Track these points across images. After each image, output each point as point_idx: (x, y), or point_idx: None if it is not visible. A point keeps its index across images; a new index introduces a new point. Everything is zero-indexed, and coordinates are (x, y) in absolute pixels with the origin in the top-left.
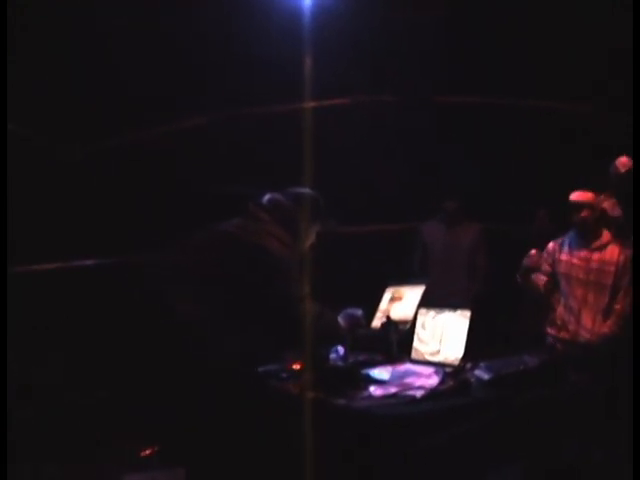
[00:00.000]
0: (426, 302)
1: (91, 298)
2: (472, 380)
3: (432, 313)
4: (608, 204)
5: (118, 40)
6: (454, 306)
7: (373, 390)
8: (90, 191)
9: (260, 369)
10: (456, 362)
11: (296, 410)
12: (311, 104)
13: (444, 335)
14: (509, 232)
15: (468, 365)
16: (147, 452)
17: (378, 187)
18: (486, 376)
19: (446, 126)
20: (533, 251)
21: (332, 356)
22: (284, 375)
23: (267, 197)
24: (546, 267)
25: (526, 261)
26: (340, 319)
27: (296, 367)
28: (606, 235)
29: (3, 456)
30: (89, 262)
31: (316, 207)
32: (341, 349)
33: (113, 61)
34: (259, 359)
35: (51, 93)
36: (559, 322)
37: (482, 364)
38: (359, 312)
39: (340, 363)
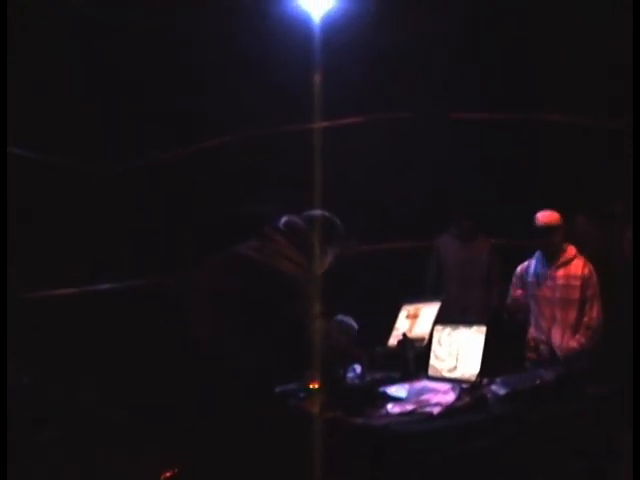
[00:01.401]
0: (442, 318)
1: (112, 321)
2: (488, 396)
3: (448, 330)
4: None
5: (134, 63)
6: (470, 322)
7: (390, 408)
8: (109, 213)
9: (278, 388)
10: (473, 378)
11: (314, 429)
12: (325, 123)
13: (460, 351)
14: (522, 248)
15: (485, 381)
16: (168, 474)
17: (393, 204)
18: (502, 391)
19: (461, 143)
20: (519, 291)
21: (350, 375)
22: (302, 394)
23: (284, 220)
24: (518, 292)
25: (510, 301)
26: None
27: (314, 386)
28: (570, 250)
29: (3, 456)
30: (105, 286)
31: (333, 230)
32: (358, 367)
33: (129, 84)
34: (275, 378)
35: (68, 114)
36: (532, 343)
37: (498, 379)
38: (352, 322)
39: (357, 381)
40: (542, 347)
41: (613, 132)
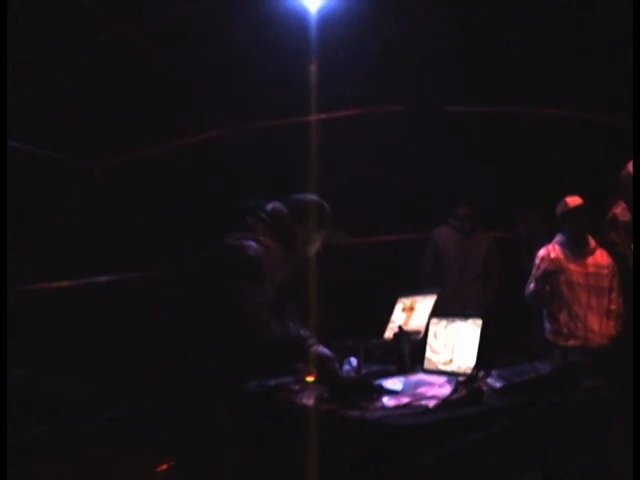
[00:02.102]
0: (439, 311)
1: (107, 313)
2: (484, 389)
3: (444, 322)
4: (619, 209)
5: (129, 55)
6: (466, 315)
7: (386, 401)
8: (104, 206)
9: (273, 382)
10: (468, 371)
11: (310, 422)
12: (321, 116)
13: (456, 344)
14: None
15: (480, 374)
16: (164, 467)
17: (389, 197)
18: (498, 384)
19: (457, 135)
20: (554, 251)
21: (345, 367)
22: (297, 387)
23: (269, 206)
24: (545, 264)
25: (547, 264)
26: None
27: (309, 379)
28: (592, 240)
29: (3, 456)
30: (101, 278)
31: (321, 215)
32: (354, 360)
33: (124, 75)
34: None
35: (63, 107)
36: (565, 330)
37: (494, 372)
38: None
39: (353, 374)
40: (579, 334)
41: (606, 126)
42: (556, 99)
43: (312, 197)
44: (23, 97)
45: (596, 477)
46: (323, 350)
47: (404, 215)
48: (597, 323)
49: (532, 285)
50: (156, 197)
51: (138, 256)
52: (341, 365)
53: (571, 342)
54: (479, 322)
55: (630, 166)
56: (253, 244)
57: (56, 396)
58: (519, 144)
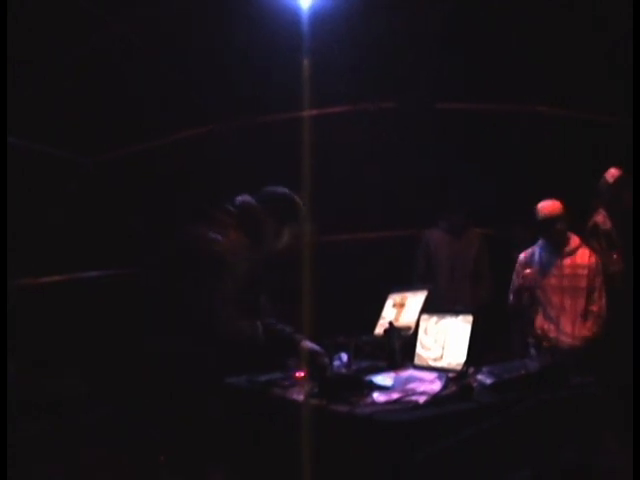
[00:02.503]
0: (430, 308)
1: (96, 308)
2: (475, 385)
3: (435, 319)
4: (600, 217)
5: (123, 50)
6: (456, 311)
7: (376, 397)
8: (98, 201)
9: (264, 378)
10: (459, 367)
11: (300, 417)
12: (314, 112)
13: (447, 340)
14: (512, 238)
15: (471, 370)
16: (161, 460)
17: (380, 193)
18: (488, 381)
19: (449, 132)
20: (528, 270)
21: (335, 363)
22: (287, 383)
23: (238, 199)
24: (519, 280)
25: (521, 281)
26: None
27: (300, 375)
28: (575, 239)
29: (3, 456)
30: (94, 273)
31: (290, 208)
32: (344, 356)
33: (116, 70)
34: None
35: (57, 105)
36: (539, 332)
37: (484, 369)
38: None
39: (343, 370)
40: (552, 335)
41: (602, 125)
42: (550, 97)
43: (283, 190)
44: (21, 94)
45: (585, 473)
46: (313, 346)
47: (395, 211)
48: (570, 325)
49: (511, 297)
50: (151, 192)
51: (133, 251)
52: (331, 361)
53: (544, 343)
54: (470, 318)
55: (610, 174)
56: (214, 237)
57: (48, 393)
58: (512, 142)
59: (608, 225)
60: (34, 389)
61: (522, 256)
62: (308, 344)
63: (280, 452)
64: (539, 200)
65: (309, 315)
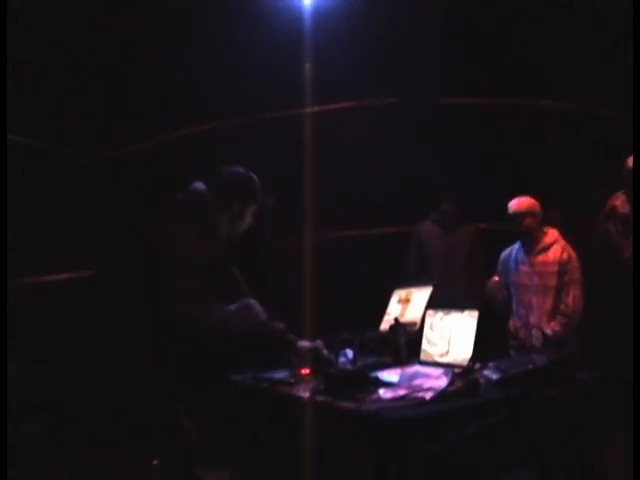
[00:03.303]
0: (433, 303)
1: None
2: (481, 380)
3: (440, 314)
4: (619, 201)
5: (123, 48)
6: (462, 307)
7: (382, 393)
8: (99, 199)
9: (269, 375)
10: (465, 363)
11: (306, 414)
12: (316, 109)
13: (452, 336)
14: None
15: (477, 365)
16: (156, 462)
17: (382, 190)
18: (495, 376)
19: (452, 127)
20: (496, 277)
21: (341, 359)
22: (293, 380)
23: (192, 186)
24: (495, 278)
25: (489, 285)
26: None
27: (305, 372)
28: (551, 235)
29: (3, 456)
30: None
31: (247, 188)
32: (350, 352)
33: (117, 68)
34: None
35: (58, 104)
36: (512, 330)
37: (491, 364)
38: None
39: (349, 366)
40: (521, 335)
41: (604, 119)
42: (554, 91)
43: (238, 170)
44: (21, 94)
45: (591, 469)
46: (309, 343)
47: (399, 207)
48: (536, 323)
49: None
50: (151, 190)
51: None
52: (337, 357)
53: (513, 342)
54: (475, 314)
55: (629, 160)
56: (158, 228)
57: (49, 393)
58: (516, 136)
59: (626, 209)
60: (35, 389)
61: (502, 255)
62: (304, 343)
63: (285, 450)
64: (542, 194)
65: (311, 311)
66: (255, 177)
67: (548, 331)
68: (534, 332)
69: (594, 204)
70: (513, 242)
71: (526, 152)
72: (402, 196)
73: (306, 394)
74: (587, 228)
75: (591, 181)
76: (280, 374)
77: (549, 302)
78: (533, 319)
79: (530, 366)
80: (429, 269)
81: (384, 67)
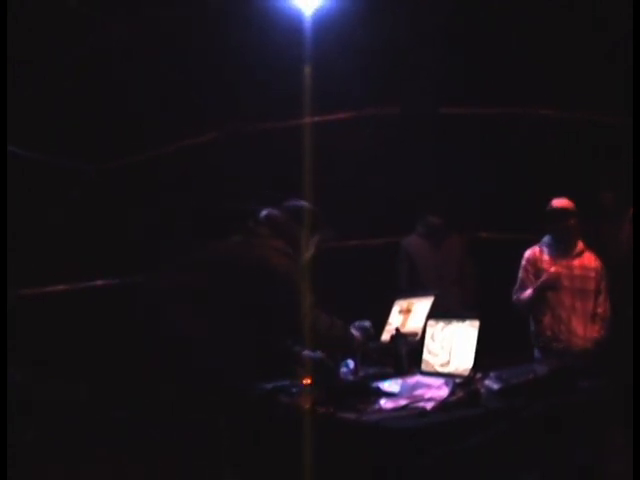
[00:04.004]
0: (434, 314)
1: (100, 317)
2: (482, 390)
3: (441, 324)
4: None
5: (122, 49)
6: (462, 317)
7: (383, 403)
8: (101, 210)
9: (270, 385)
10: (466, 373)
11: (307, 425)
12: (316, 118)
13: (453, 346)
14: (506, 239)
15: (478, 375)
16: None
17: (381, 200)
18: (496, 386)
19: (451, 137)
20: (554, 268)
21: (342, 370)
22: (294, 390)
23: (264, 213)
24: (531, 278)
25: (548, 280)
26: (353, 331)
27: (306, 382)
28: (580, 243)
29: (3, 456)
30: (99, 282)
31: (314, 219)
32: (351, 363)
33: (122, 75)
34: (267, 372)
35: (65, 109)
36: (549, 333)
37: (492, 374)
38: (368, 324)
39: (350, 377)
40: (562, 337)
41: (604, 127)
42: (554, 99)
43: (304, 203)
44: (22, 98)
45: (592, 475)
46: (313, 354)
47: (399, 217)
48: (581, 326)
49: (528, 292)
50: (154, 200)
51: (137, 260)
52: (338, 367)
53: (554, 345)
54: (476, 324)
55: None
56: (279, 257)
57: (54, 399)
58: (516, 146)
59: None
60: (37, 395)
61: (528, 253)
62: (308, 353)
63: (287, 460)
64: (543, 202)
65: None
66: (319, 211)
67: (596, 334)
68: (574, 339)
69: (604, 208)
70: (511, 251)
71: (527, 160)
72: (402, 205)
73: (307, 404)
74: (600, 234)
75: (595, 186)
76: (281, 384)
77: (589, 306)
78: (577, 322)
79: (531, 375)
80: (421, 283)
81: (384, 76)
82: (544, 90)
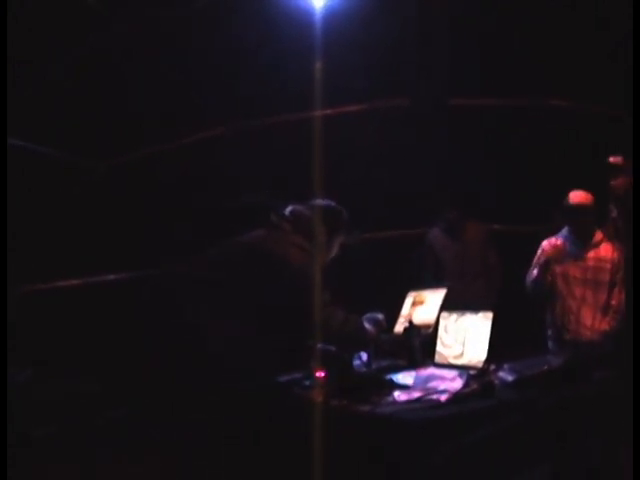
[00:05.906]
0: (447, 306)
1: (114, 312)
2: (496, 382)
3: (454, 316)
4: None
5: (129, 54)
6: (476, 308)
7: (397, 395)
8: (110, 206)
9: (284, 377)
10: (480, 364)
11: (321, 417)
12: (326, 111)
13: (467, 338)
14: (519, 231)
15: (492, 367)
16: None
17: (392, 193)
18: (510, 378)
19: (460, 129)
20: (558, 241)
21: (356, 362)
22: (308, 383)
23: (289, 208)
24: (547, 251)
25: (550, 251)
26: (365, 324)
27: (320, 375)
28: (599, 234)
29: (3, 456)
30: (112, 277)
31: (338, 218)
32: (365, 355)
33: (125, 73)
34: (280, 367)
35: (67, 109)
36: (559, 323)
37: (506, 366)
38: (380, 316)
39: (364, 369)
40: (571, 327)
41: (613, 119)
42: (563, 90)
43: (331, 203)
44: (23, 96)
45: (606, 470)
46: (328, 347)
47: (410, 209)
48: (590, 318)
49: (534, 272)
50: (158, 196)
51: (140, 255)
52: (351, 360)
53: (563, 335)
54: (489, 315)
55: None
56: (296, 252)
57: (63, 396)
58: (526, 137)
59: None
60: (47, 392)
61: (545, 244)
62: (322, 347)
63: (300, 452)
64: (558, 194)
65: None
66: (344, 211)
67: (605, 326)
68: (582, 330)
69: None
70: (526, 244)
71: (538, 153)
72: (412, 199)
73: (320, 397)
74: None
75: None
76: (295, 377)
77: (602, 298)
78: (586, 313)
79: (545, 367)
80: (445, 277)
81: (393, 69)
82: (554, 80)
